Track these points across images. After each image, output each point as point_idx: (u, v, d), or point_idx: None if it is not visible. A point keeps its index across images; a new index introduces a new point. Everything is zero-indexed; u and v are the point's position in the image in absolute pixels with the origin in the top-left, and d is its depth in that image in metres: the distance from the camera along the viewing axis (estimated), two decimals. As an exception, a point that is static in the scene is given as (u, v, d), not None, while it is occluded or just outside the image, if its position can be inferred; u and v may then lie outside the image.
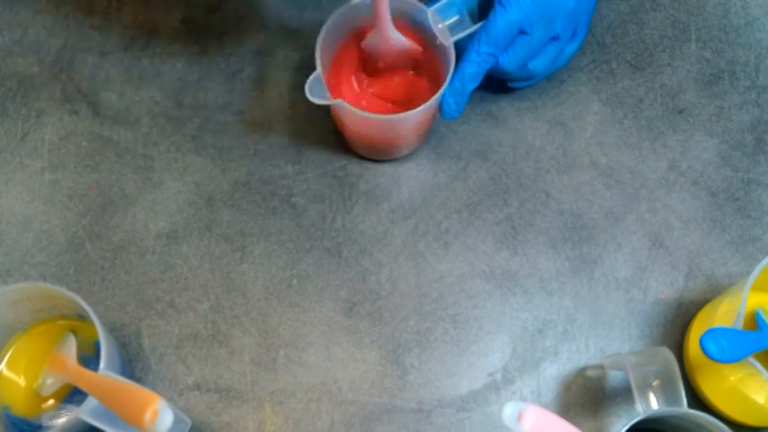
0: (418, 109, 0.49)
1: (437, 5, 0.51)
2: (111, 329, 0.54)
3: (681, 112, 0.60)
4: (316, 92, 0.49)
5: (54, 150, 0.58)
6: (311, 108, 0.59)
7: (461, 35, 0.51)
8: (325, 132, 0.59)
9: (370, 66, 0.56)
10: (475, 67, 0.52)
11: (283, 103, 0.60)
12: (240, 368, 0.54)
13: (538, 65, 0.55)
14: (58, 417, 0.51)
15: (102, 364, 0.45)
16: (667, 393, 0.46)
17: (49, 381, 0.50)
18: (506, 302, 0.55)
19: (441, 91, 0.50)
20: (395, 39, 0.52)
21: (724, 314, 0.49)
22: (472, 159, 0.59)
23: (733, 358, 0.44)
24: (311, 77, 0.49)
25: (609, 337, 0.55)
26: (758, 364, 0.45)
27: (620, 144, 0.59)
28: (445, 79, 0.51)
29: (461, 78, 0.52)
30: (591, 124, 0.60)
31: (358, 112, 0.50)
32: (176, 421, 0.44)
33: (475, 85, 0.53)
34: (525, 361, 0.54)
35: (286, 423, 0.53)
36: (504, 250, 0.57)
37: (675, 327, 0.55)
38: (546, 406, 0.53)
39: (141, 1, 0.62)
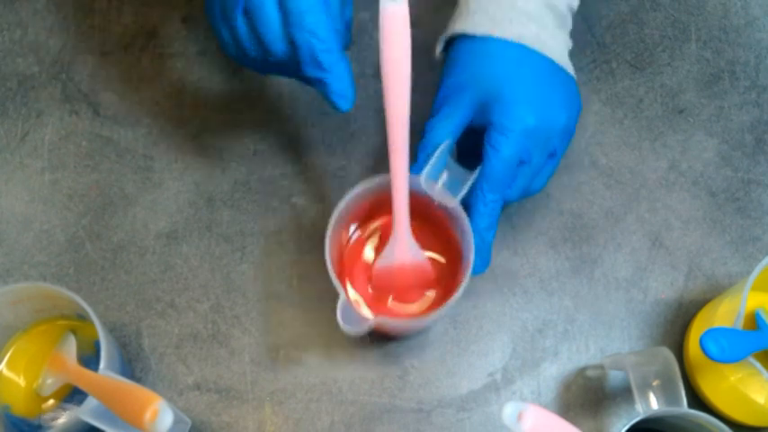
0: (437, 311, 0.47)
1: (426, 170, 0.48)
2: (112, 329, 0.54)
3: (681, 112, 0.60)
4: (350, 320, 0.46)
5: (54, 150, 0.58)
6: (311, 108, 0.59)
7: (464, 192, 0.48)
8: (326, 132, 0.59)
9: (380, 288, 0.53)
10: (486, 220, 0.49)
11: (283, 104, 0.60)
12: (240, 368, 0.54)
13: (538, 185, 0.52)
14: (59, 417, 0.51)
15: (102, 364, 0.45)
16: (667, 393, 0.46)
17: (49, 381, 0.50)
18: (506, 302, 0.55)
19: (457, 294, 0.47)
20: (413, 254, 0.50)
21: (724, 314, 0.49)
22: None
23: (733, 358, 0.44)
24: (340, 305, 0.46)
25: (609, 337, 0.55)
26: (758, 364, 0.45)
27: (620, 144, 0.59)
28: (463, 242, 0.48)
29: (479, 235, 0.48)
30: (591, 124, 0.60)
31: (391, 322, 0.49)
32: (176, 421, 0.44)
33: (494, 232, 0.50)
34: (525, 361, 0.54)
35: (286, 423, 0.53)
36: (504, 250, 0.56)
37: (675, 327, 0.55)
38: (546, 406, 0.53)
39: (141, 1, 0.62)
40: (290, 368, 0.54)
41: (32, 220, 0.57)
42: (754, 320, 0.50)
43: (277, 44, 0.44)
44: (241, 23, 0.44)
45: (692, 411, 0.45)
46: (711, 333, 0.44)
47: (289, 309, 0.55)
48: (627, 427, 0.44)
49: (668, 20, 0.63)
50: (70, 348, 0.51)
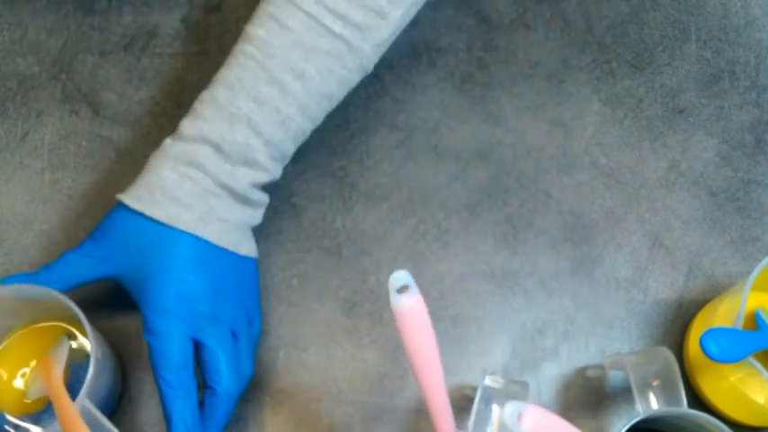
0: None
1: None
2: (111, 329, 0.54)
3: (681, 112, 0.60)
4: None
5: (54, 150, 0.58)
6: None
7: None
8: (326, 132, 0.59)
9: None
10: (180, 401, 0.46)
11: (283, 103, 0.60)
12: (240, 368, 0.54)
13: (247, 371, 0.50)
14: (42, 420, 0.50)
15: (81, 393, 0.44)
16: (667, 393, 0.46)
17: (36, 385, 0.49)
18: (506, 302, 0.55)
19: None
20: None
21: (724, 314, 0.49)
22: (472, 159, 0.59)
23: (733, 358, 0.44)
24: None
25: (609, 337, 0.55)
26: (758, 364, 0.45)
27: (620, 144, 0.59)
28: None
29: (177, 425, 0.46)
30: (591, 124, 0.60)
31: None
32: None
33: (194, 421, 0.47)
34: (525, 361, 0.54)
35: (286, 423, 0.53)
36: (504, 250, 0.57)
37: (675, 327, 0.55)
38: (546, 406, 0.53)
39: (141, 1, 0.62)
40: (290, 368, 0.54)
41: (32, 220, 0.57)
42: (754, 320, 0.50)
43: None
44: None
45: (692, 411, 0.45)
46: (711, 333, 0.44)
47: (289, 309, 0.55)
48: (627, 427, 0.44)
49: (668, 20, 0.63)
50: (62, 354, 0.49)
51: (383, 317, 0.55)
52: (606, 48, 0.62)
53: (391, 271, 0.39)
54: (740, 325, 0.46)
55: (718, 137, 0.60)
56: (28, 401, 0.50)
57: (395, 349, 0.54)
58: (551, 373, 0.54)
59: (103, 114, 0.59)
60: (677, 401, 0.46)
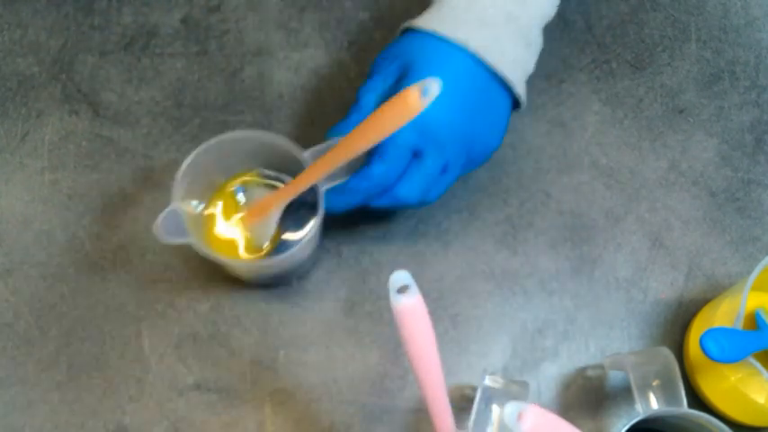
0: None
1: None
2: (111, 329, 0.54)
3: (681, 112, 0.60)
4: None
5: (54, 150, 0.58)
6: (311, 108, 0.59)
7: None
8: (325, 132, 0.59)
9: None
10: (361, 196, 0.50)
11: (283, 103, 0.60)
12: (240, 368, 0.54)
13: (433, 195, 0.51)
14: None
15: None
16: (667, 393, 0.46)
17: (259, 230, 0.52)
18: (506, 302, 0.55)
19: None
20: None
21: (724, 314, 0.49)
22: (472, 159, 0.59)
23: (733, 358, 0.44)
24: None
25: (609, 337, 0.55)
26: (758, 364, 0.45)
27: (620, 144, 0.59)
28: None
29: (352, 194, 0.50)
30: (591, 124, 0.60)
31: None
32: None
33: (360, 198, 0.50)
34: (525, 361, 0.54)
35: (286, 423, 0.53)
36: (504, 250, 0.57)
37: (675, 327, 0.55)
38: (546, 406, 0.53)
39: (141, 1, 0.62)
40: (290, 368, 0.54)
41: (32, 220, 0.57)
42: (754, 320, 0.50)
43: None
44: None
45: (692, 411, 0.45)
46: (711, 333, 0.44)
47: (289, 309, 0.55)
48: (627, 427, 0.44)
49: (668, 20, 0.63)
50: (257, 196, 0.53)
51: (383, 317, 0.55)
52: (606, 48, 0.62)
53: (391, 271, 0.39)
54: (740, 325, 0.46)
55: (718, 137, 0.60)
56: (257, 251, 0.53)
57: (395, 349, 0.54)
58: (551, 373, 0.54)
59: (103, 114, 0.59)
60: (677, 401, 0.46)
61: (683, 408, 0.46)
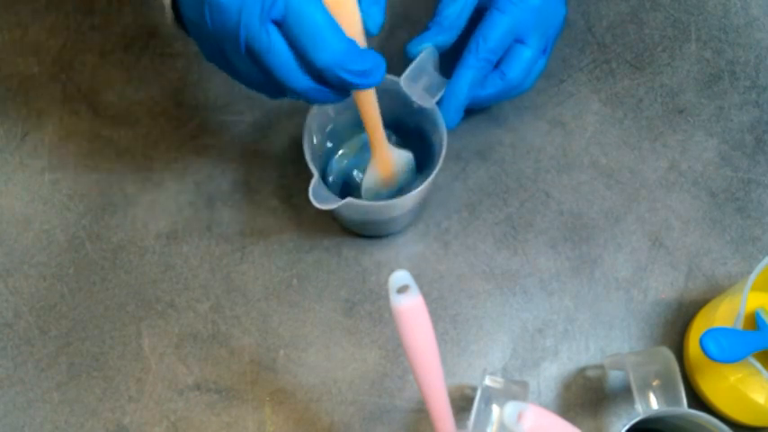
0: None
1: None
2: (111, 329, 0.54)
3: (681, 112, 0.60)
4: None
5: (54, 150, 0.58)
6: (311, 108, 0.59)
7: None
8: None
9: None
10: (473, 72, 0.52)
11: (283, 103, 0.60)
12: (240, 368, 0.54)
13: (528, 81, 0.55)
14: None
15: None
16: (667, 393, 0.46)
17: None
18: (506, 302, 0.55)
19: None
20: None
21: (724, 314, 0.49)
22: (472, 159, 0.59)
23: (733, 358, 0.44)
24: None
25: (609, 337, 0.55)
26: (758, 364, 0.45)
27: (620, 144, 0.59)
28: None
29: (461, 84, 0.52)
30: (591, 124, 0.60)
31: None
32: None
33: (472, 92, 0.53)
34: (525, 361, 0.54)
35: (286, 423, 0.53)
36: (504, 250, 0.57)
37: (675, 327, 0.55)
38: (546, 406, 0.53)
39: (141, 1, 0.62)
40: (290, 368, 0.54)
41: (32, 220, 0.57)
42: (754, 320, 0.50)
43: (299, 82, 0.42)
44: (250, 68, 0.42)
45: (692, 411, 0.45)
46: (711, 333, 0.44)
47: (289, 309, 0.55)
48: (627, 427, 0.44)
49: (668, 20, 0.63)
50: None
51: (383, 317, 0.55)
52: (606, 48, 0.62)
53: (391, 271, 0.39)
54: (740, 325, 0.46)
55: (718, 137, 0.60)
56: None
57: (395, 349, 0.54)
58: (551, 373, 0.54)
59: (103, 114, 0.59)
60: (677, 401, 0.46)
61: (683, 408, 0.46)
